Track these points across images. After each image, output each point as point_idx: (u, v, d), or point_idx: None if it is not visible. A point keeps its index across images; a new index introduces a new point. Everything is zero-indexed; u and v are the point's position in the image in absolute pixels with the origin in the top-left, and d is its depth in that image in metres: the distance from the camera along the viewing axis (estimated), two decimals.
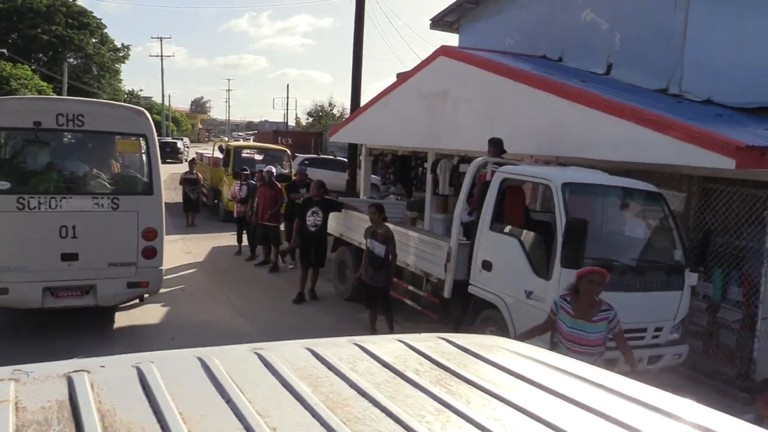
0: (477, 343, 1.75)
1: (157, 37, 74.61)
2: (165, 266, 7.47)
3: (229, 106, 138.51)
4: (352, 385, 1.36)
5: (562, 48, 11.26)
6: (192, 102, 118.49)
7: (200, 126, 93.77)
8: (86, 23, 60.61)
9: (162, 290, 8.58)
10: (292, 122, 72.51)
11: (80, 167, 7.22)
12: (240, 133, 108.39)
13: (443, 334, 1.86)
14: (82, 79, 56.50)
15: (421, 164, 13.08)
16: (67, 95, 45.65)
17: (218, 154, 18.16)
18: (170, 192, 23.17)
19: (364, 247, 7.51)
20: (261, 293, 9.42)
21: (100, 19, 63.11)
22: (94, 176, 7.21)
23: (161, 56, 58.12)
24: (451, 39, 14.66)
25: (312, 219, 8.65)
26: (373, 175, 18.33)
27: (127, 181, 7.39)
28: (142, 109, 7.51)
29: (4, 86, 41.27)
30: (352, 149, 19.40)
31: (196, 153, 23.50)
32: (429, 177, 12.53)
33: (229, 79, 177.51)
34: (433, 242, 7.10)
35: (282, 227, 10.81)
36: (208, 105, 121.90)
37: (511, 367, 1.55)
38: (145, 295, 7.44)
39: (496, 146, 7.70)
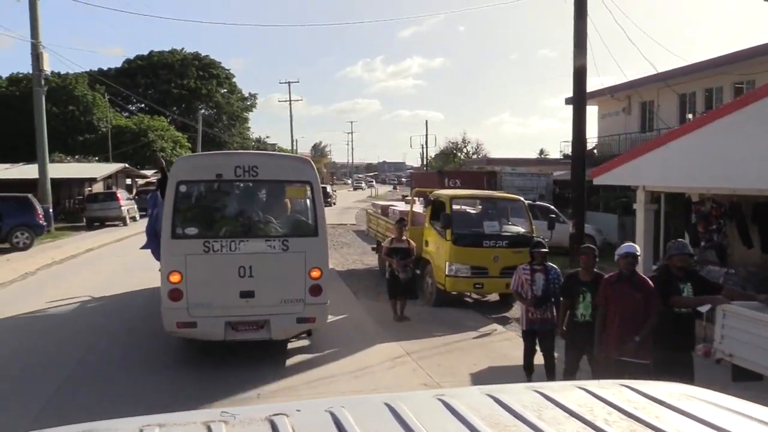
0: (664, 392, 1.61)
1: (285, 82, 75.06)
2: None
3: (352, 149, 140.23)
4: None
5: None
6: (312, 147, 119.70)
7: (325, 170, 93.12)
8: (216, 74, 61.30)
9: None
10: (413, 162, 69.04)
11: (255, 212, 7.92)
12: (360, 175, 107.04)
13: (624, 381, 1.74)
14: (214, 128, 56.52)
15: None
16: (201, 145, 44.90)
17: (415, 206, 13.69)
18: (332, 253, 16.15)
19: None
20: None
21: (228, 70, 63.77)
22: (266, 220, 7.83)
23: (290, 101, 56.91)
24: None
25: None
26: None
27: (295, 224, 7.87)
28: (307, 158, 8.66)
29: (142, 138, 40.86)
30: (578, 188, 14.57)
31: (379, 206, 17.27)
32: None
33: (352, 122, 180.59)
34: None
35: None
36: (328, 149, 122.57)
37: (710, 419, 1.40)
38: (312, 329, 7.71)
39: None
